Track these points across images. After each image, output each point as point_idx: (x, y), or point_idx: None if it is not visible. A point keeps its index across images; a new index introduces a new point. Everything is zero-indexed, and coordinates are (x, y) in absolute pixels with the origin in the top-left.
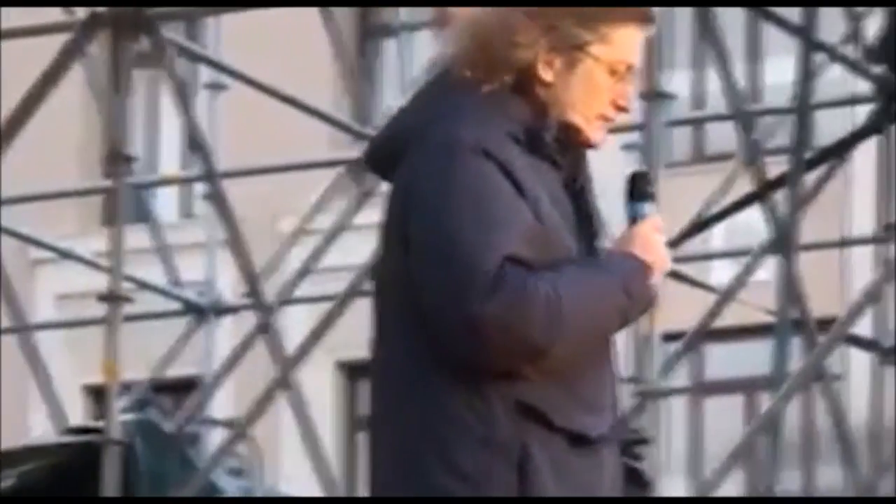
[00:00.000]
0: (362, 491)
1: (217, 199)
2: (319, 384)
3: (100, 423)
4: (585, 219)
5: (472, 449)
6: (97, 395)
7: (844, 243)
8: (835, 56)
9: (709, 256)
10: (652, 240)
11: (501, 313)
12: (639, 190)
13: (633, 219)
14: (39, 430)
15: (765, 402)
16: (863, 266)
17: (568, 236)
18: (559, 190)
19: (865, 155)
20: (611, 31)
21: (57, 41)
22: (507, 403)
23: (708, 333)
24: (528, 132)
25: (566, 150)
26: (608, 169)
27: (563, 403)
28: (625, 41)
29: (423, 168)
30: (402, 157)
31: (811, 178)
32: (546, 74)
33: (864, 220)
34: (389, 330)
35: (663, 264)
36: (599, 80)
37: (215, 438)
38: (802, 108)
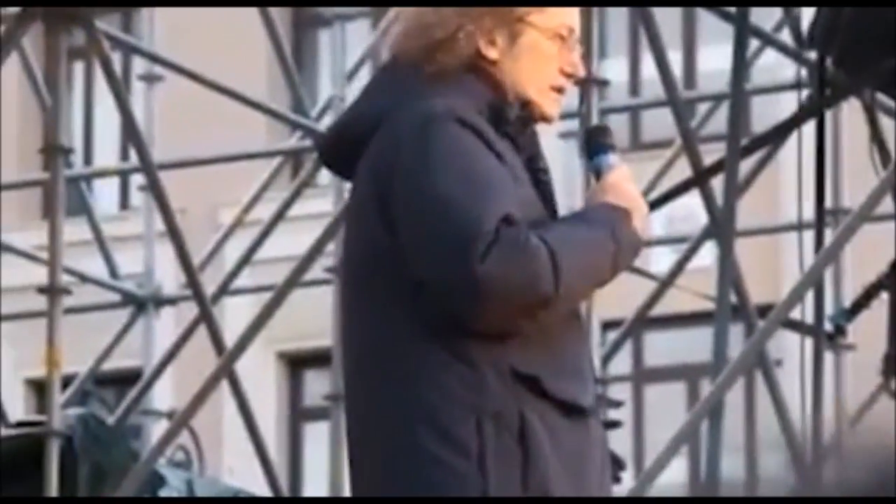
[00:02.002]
0: (306, 481)
1: (154, 191)
2: (261, 375)
3: (43, 417)
4: (546, 200)
5: (466, 418)
6: (39, 388)
7: (783, 229)
8: (769, 42)
9: (648, 243)
10: (624, 187)
11: (503, 270)
12: (598, 143)
13: (598, 172)
14: None
15: (706, 388)
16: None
17: (538, 209)
18: (522, 170)
19: (802, 141)
20: None
21: None
22: (500, 372)
23: (648, 321)
24: (491, 109)
25: (524, 129)
26: (547, 156)
27: (554, 372)
28: (561, 6)
29: (401, 142)
30: (363, 145)
31: (748, 163)
32: (490, 52)
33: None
34: (368, 310)
35: (641, 208)
36: (545, 48)
37: (157, 430)
38: (737, 94)
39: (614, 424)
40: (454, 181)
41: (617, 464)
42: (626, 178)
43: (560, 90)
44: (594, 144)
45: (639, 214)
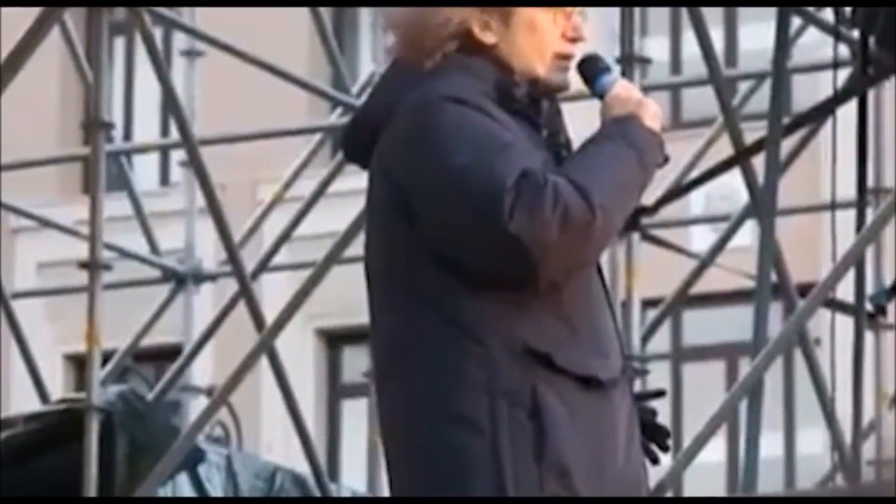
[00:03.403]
0: (344, 457)
1: (195, 167)
2: (300, 352)
3: (82, 395)
4: None
5: (478, 397)
6: (79, 363)
7: (823, 208)
8: (811, 20)
9: (688, 222)
10: (626, 95)
11: (533, 217)
12: (592, 70)
13: (602, 95)
14: (21, 399)
15: (745, 367)
16: (842, 230)
17: None
18: (541, 148)
19: (843, 119)
20: None
21: (32, 10)
22: (511, 347)
23: (688, 299)
24: (498, 88)
25: (538, 105)
26: (589, 134)
27: (568, 346)
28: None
29: (402, 132)
30: (376, 137)
31: (789, 142)
32: (487, 38)
33: (842, 185)
34: (387, 301)
35: (648, 107)
36: (539, 20)
37: (196, 406)
38: (779, 72)
39: (658, 394)
40: (465, 153)
41: (662, 433)
42: (624, 88)
43: (566, 56)
44: (591, 74)
45: (647, 113)
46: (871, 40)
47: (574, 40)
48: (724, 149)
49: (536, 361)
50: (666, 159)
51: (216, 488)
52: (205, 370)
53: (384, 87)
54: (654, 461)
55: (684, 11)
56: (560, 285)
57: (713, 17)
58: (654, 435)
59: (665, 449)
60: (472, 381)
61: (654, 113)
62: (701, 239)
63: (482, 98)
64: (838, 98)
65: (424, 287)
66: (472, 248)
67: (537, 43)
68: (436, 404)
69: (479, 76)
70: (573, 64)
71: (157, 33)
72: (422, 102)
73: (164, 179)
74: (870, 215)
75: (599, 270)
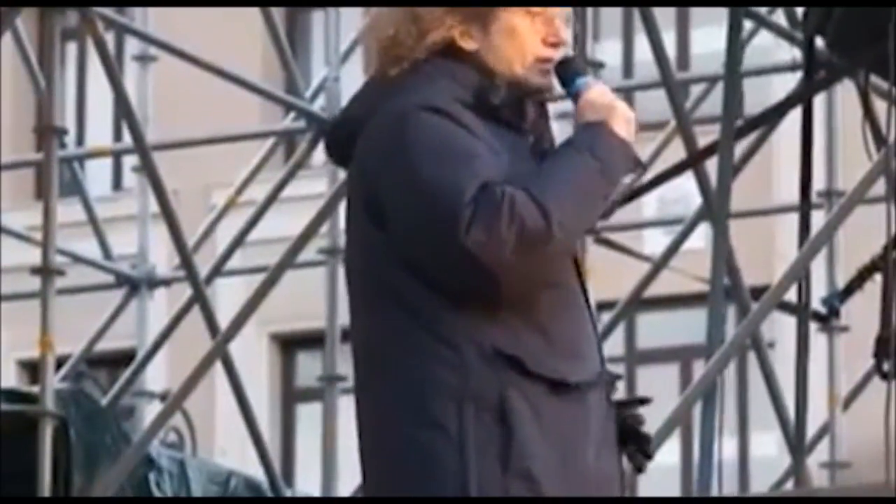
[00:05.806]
0: (298, 462)
1: (148, 172)
2: (254, 356)
3: (34, 389)
4: None
5: (447, 400)
6: (32, 369)
7: (776, 210)
8: (763, 23)
9: (641, 225)
10: (598, 100)
11: (489, 231)
12: (568, 72)
13: (576, 98)
14: None
15: (699, 370)
16: (794, 233)
17: None
18: (527, 155)
19: (794, 122)
20: None
21: None
22: (482, 352)
23: (641, 302)
24: (477, 94)
25: (522, 111)
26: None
27: (539, 350)
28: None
29: (379, 139)
30: (355, 141)
31: (742, 145)
32: (468, 44)
33: (793, 188)
34: (362, 303)
35: (619, 114)
36: (520, 27)
37: (150, 411)
38: (731, 75)
39: (642, 401)
40: (431, 164)
41: (646, 440)
42: (598, 92)
43: (547, 60)
44: (566, 76)
45: (618, 119)
46: (822, 43)
47: (555, 45)
48: (677, 152)
49: (508, 365)
50: (638, 164)
51: (169, 494)
52: (159, 375)
53: (366, 91)
54: (640, 469)
55: (637, 15)
56: (526, 295)
57: (665, 20)
58: (639, 442)
59: (649, 456)
60: (444, 384)
61: (625, 118)
62: (654, 242)
63: (457, 105)
64: (791, 100)
65: (399, 291)
66: (433, 259)
67: (518, 47)
68: (407, 407)
69: (460, 82)
70: (550, 66)
71: (110, 38)
72: (398, 111)
73: (117, 184)
74: (822, 218)
75: (579, 272)
